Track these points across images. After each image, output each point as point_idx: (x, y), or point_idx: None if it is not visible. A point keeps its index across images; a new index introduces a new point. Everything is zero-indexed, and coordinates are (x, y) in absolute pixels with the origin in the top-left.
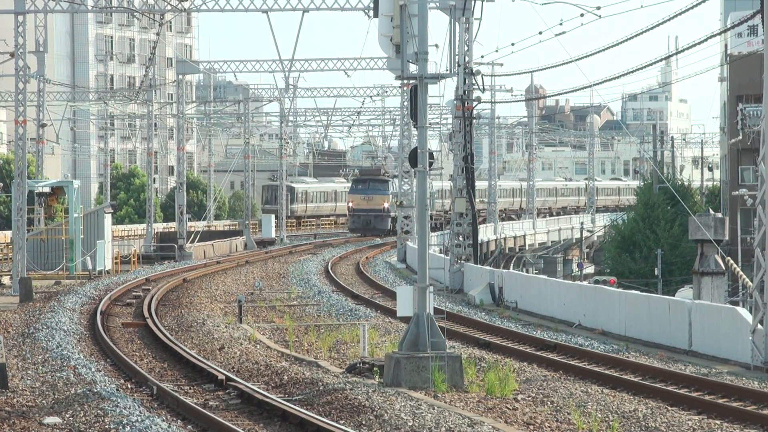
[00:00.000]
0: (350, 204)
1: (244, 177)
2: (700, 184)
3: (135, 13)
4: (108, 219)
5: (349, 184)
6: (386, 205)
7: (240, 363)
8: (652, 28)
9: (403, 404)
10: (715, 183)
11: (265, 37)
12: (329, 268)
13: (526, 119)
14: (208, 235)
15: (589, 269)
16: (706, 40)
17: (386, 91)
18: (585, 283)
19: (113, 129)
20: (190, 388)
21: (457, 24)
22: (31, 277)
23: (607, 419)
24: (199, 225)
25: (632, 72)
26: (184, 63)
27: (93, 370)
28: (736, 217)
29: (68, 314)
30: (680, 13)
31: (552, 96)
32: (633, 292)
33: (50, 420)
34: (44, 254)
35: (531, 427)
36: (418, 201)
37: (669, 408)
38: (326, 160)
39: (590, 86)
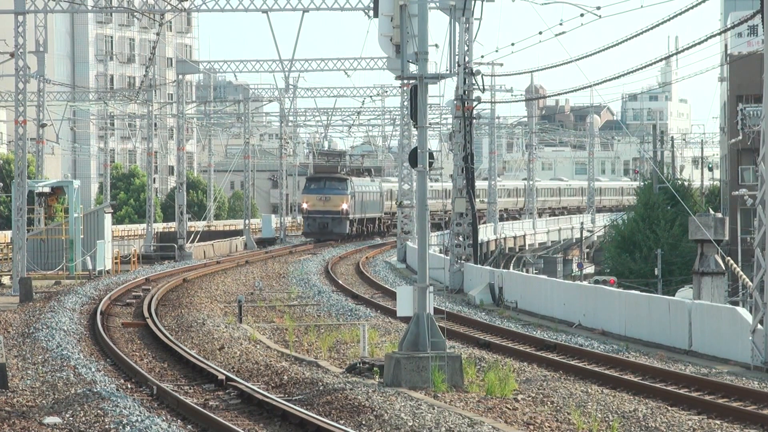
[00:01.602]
0: (304, 205)
1: (244, 177)
2: (700, 184)
3: (135, 13)
4: (108, 219)
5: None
6: (345, 206)
7: (240, 363)
8: (652, 28)
9: (403, 404)
10: (715, 183)
11: (265, 37)
12: (329, 268)
13: (526, 119)
14: (208, 235)
15: (589, 269)
16: (706, 40)
17: (386, 91)
18: (585, 283)
19: (113, 129)
20: (190, 388)
21: (457, 24)
22: (31, 277)
23: (607, 419)
24: (199, 225)
25: (632, 72)
26: (184, 63)
27: (93, 370)
28: (736, 217)
29: (68, 314)
30: (680, 13)
31: (552, 96)
32: (633, 292)
33: (50, 420)
34: (44, 254)
35: (531, 427)
36: (418, 201)
37: (669, 408)
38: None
39: (590, 86)
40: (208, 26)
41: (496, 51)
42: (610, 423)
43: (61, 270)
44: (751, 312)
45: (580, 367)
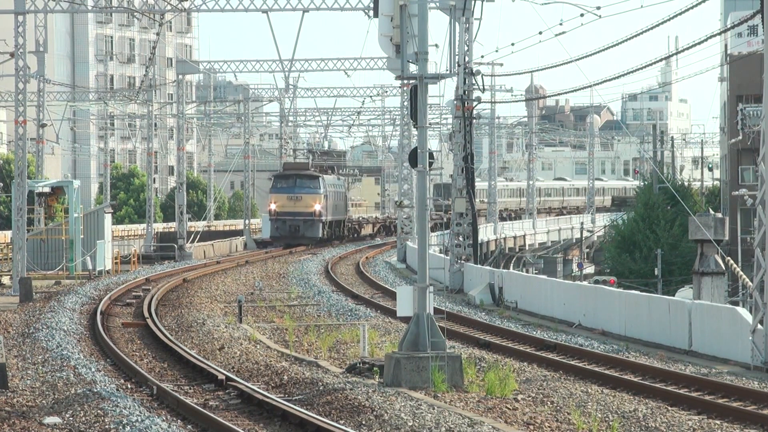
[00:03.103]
0: (272, 206)
1: (244, 177)
2: (700, 184)
3: (135, 13)
4: (108, 219)
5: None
6: (318, 207)
7: (240, 363)
8: (652, 28)
9: (403, 404)
10: (715, 183)
11: (265, 37)
12: (329, 268)
13: (526, 119)
14: (208, 236)
15: (589, 269)
16: (706, 40)
17: (386, 91)
18: (585, 283)
19: (113, 129)
20: (190, 388)
21: (457, 24)
22: (31, 277)
23: (607, 419)
24: (199, 225)
25: (632, 72)
26: (184, 63)
27: (93, 370)
28: (736, 217)
29: (68, 314)
30: (680, 13)
31: (552, 96)
32: (633, 292)
33: (50, 420)
34: (44, 254)
35: (531, 427)
36: (418, 201)
37: (669, 408)
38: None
39: (590, 86)
40: (208, 26)
41: (496, 51)
42: (610, 423)
43: (61, 270)
44: (751, 312)
45: (580, 367)
